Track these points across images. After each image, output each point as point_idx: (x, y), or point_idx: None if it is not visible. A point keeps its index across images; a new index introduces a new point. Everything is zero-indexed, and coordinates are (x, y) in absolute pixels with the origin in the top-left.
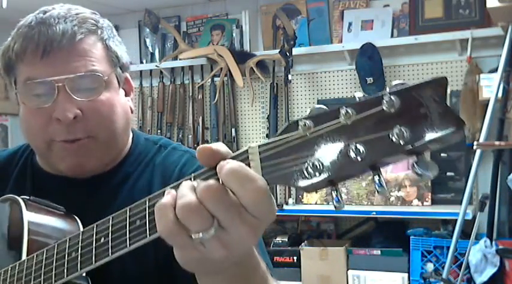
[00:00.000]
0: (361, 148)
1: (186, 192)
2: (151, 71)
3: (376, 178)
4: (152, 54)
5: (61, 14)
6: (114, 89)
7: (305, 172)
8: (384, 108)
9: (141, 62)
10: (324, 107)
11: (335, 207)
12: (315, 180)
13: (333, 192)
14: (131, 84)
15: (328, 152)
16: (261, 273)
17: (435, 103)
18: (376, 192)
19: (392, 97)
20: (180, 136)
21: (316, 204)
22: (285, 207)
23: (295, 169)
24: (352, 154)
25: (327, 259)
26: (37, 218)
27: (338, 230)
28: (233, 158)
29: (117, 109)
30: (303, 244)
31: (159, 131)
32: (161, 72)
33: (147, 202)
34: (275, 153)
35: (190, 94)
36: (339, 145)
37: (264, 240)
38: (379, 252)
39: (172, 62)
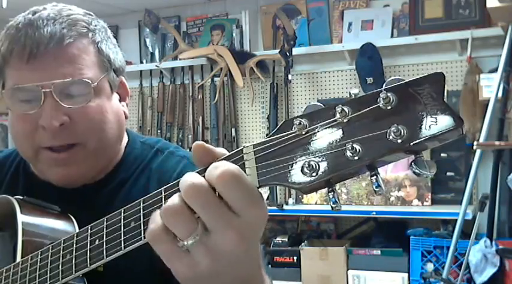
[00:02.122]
0: (357, 147)
1: (173, 198)
2: (151, 71)
3: (374, 178)
4: (152, 54)
5: (50, 15)
6: (105, 95)
7: (301, 172)
8: (381, 105)
9: (141, 62)
10: (320, 104)
11: (332, 208)
12: (311, 179)
13: (329, 193)
14: (127, 88)
15: (324, 151)
16: None
17: (432, 99)
18: (374, 192)
19: (388, 94)
20: (180, 136)
21: (316, 204)
22: (285, 207)
23: (290, 169)
24: (349, 154)
25: (327, 259)
26: (31, 219)
27: (338, 230)
28: (227, 158)
29: (108, 116)
30: (303, 244)
31: (159, 131)
32: (161, 72)
33: (141, 203)
34: (270, 152)
35: (190, 94)
36: (335, 144)
37: (264, 240)
38: (379, 252)
39: (172, 62)
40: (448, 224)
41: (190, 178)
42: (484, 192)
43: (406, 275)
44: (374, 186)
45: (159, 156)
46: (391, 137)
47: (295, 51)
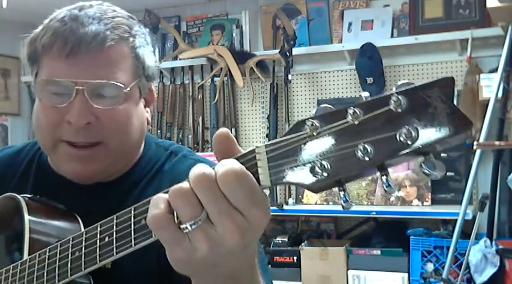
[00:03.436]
0: (368, 148)
1: (184, 182)
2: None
3: (384, 178)
4: None
5: (96, 15)
6: (134, 100)
7: (312, 172)
8: (392, 107)
9: None
10: (331, 106)
11: (343, 207)
12: (322, 180)
13: (340, 192)
14: (153, 95)
15: (335, 152)
16: None
17: (442, 103)
18: (384, 191)
19: (400, 97)
20: (180, 136)
21: (316, 204)
22: (285, 207)
23: (302, 169)
24: (360, 154)
25: (327, 259)
26: (38, 217)
27: (338, 230)
28: (240, 157)
29: (134, 121)
30: (303, 244)
31: (159, 131)
32: (161, 72)
33: (150, 201)
34: (282, 153)
35: (190, 94)
36: (347, 145)
37: (264, 240)
38: (379, 252)
39: (172, 62)
40: (448, 224)
41: (201, 168)
42: (484, 192)
43: (406, 275)
44: (384, 186)
45: (172, 158)
46: (401, 139)
47: (295, 51)
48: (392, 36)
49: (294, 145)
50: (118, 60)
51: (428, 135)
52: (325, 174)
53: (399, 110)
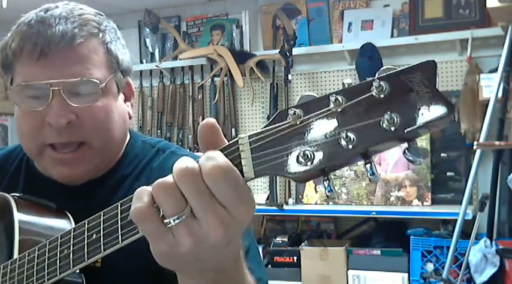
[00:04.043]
0: (351, 135)
1: (168, 176)
2: (151, 71)
3: (368, 165)
4: (152, 54)
5: (62, 14)
6: (112, 95)
7: (296, 162)
8: (374, 93)
9: (141, 62)
10: (314, 94)
11: (327, 196)
12: (306, 169)
13: (324, 182)
14: (132, 89)
15: (318, 140)
16: None
17: (425, 87)
18: (368, 180)
19: (381, 82)
20: (180, 136)
21: (316, 204)
22: (285, 207)
23: (286, 158)
24: (343, 142)
25: (327, 259)
26: (28, 216)
27: (338, 230)
28: (224, 149)
29: (114, 116)
30: (303, 244)
31: (159, 131)
32: (161, 72)
33: (134, 194)
34: (265, 143)
35: (190, 94)
36: (330, 133)
37: (264, 240)
38: (379, 252)
39: (172, 62)
40: (448, 224)
41: (185, 162)
42: (484, 192)
43: (406, 275)
44: (368, 174)
45: (160, 155)
46: (384, 125)
47: (295, 51)
48: (392, 36)
49: (277, 135)
50: (90, 56)
51: (411, 120)
52: (309, 163)
53: (381, 96)
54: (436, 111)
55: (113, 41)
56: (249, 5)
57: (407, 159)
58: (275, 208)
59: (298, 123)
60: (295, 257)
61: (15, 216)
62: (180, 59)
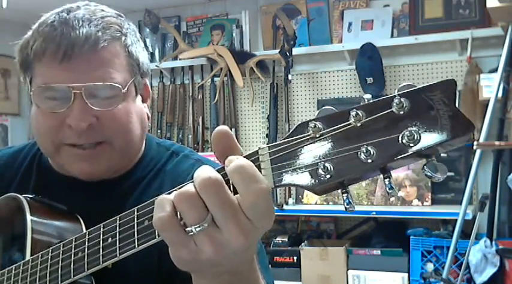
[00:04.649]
0: (371, 150)
1: (189, 185)
2: (151, 71)
3: (387, 180)
4: (152, 54)
5: (86, 17)
6: (131, 98)
7: (315, 175)
8: (394, 110)
9: None
10: (333, 108)
11: (346, 209)
12: (325, 182)
13: (343, 195)
14: (149, 90)
15: (338, 154)
16: None
17: (444, 105)
18: (386, 193)
19: (402, 99)
20: (180, 136)
21: (316, 204)
22: (285, 207)
23: (305, 171)
24: (363, 156)
25: (327, 259)
26: (40, 217)
27: (338, 230)
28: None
29: (134, 118)
30: (303, 244)
31: (159, 131)
32: (161, 72)
33: (155, 203)
34: (285, 155)
35: (190, 94)
36: (349, 147)
37: (264, 240)
38: (379, 252)
39: (172, 62)
40: (448, 224)
41: (206, 172)
42: (484, 192)
43: (406, 275)
44: (387, 188)
45: (174, 158)
46: (404, 141)
47: (295, 51)
48: (392, 36)
49: (297, 147)
50: (112, 60)
51: (430, 137)
52: (328, 176)
53: (401, 112)
54: (455, 130)
55: (134, 44)
56: (249, 5)
57: (426, 175)
58: (275, 208)
59: (318, 135)
60: (295, 257)
61: (28, 217)
62: (180, 59)
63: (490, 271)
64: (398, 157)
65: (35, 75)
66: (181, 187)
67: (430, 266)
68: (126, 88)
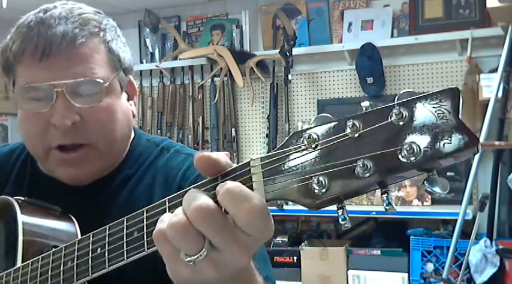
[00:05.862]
0: (368, 164)
1: (178, 211)
2: (151, 71)
3: (385, 195)
4: (152, 54)
5: (62, 14)
6: (115, 94)
7: (310, 189)
8: (393, 120)
9: (141, 62)
10: (330, 116)
11: (386, 210)
12: (319, 196)
13: (338, 210)
14: (135, 87)
15: (334, 167)
16: None
17: (447, 116)
18: (384, 209)
19: (401, 109)
20: (180, 136)
21: None
22: (285, 207)
23: (298, 184)
24: (359, 170)
25: (327, 259)
26: (32, 219)
27: (338, 230)
28: (234, 170)
29: (118, 115)
30: (303, 244)
31: (159, 131)
32: (161, 72)
33: (144, 213)
34: (278, 167)
35: (190, 94)
36: (345, 161)
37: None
38: (379, 252)
39: (172, 62)
40: (448, 224)
41: (197, 200)
42: (484, 192)
43: (406, 275)
44: (385, 204)
45: (164, 154)
46: (403, 154)
47: (295, 51)
48: (392, 36)
49: (291, 159)
50: (92, 55)
51: (431, 151)
52: (323, 191)
53: (401, 123)
54: (459, 142)
55: (114, 40)
56: (249, 5)
57: (426, 191)
58: (275, 208)
59: (313, 146)
60: (295, 257)
61: (19, 219)
62: (180, 59)
63: (490, 271)
64: (397, 171)
65: (17, 76)
66: (179, 194)
67: (430, 266)
68: (108, 83)
